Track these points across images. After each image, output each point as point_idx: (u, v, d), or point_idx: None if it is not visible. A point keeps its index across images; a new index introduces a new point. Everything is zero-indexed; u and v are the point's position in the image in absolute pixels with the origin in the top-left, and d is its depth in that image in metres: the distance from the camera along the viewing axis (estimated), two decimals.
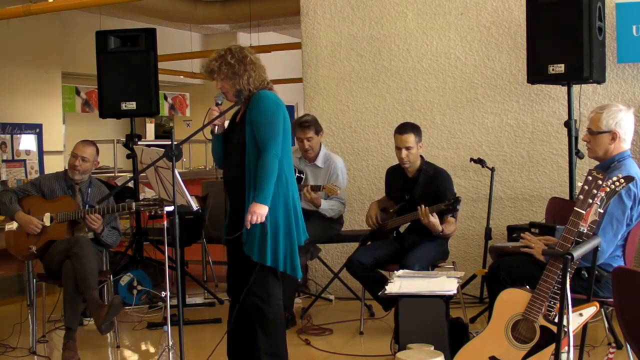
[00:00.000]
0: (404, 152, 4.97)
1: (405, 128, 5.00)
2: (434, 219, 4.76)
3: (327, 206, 5.44)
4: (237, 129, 3.76)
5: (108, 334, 5.18)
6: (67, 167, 5.12)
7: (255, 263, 3.66)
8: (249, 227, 3.58)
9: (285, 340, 3.85)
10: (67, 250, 4.68)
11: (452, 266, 5.12)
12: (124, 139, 6.42)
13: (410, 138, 4.96)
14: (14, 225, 4.94)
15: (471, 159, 5.66)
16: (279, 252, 3.68)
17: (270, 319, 3.74)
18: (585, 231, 3.21)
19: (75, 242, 4.71)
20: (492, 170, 5.60)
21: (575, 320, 3.14)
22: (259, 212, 3.56)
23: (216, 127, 3.78)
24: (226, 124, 3.87)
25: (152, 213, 4.93)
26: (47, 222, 4.86)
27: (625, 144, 3.86)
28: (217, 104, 3.76)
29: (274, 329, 3.76)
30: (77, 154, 5.00)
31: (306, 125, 5.49)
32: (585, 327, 3.30)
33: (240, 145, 3.69)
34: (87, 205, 4.89)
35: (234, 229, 3.72)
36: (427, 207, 4.75)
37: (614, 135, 3.83)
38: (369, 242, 5.26)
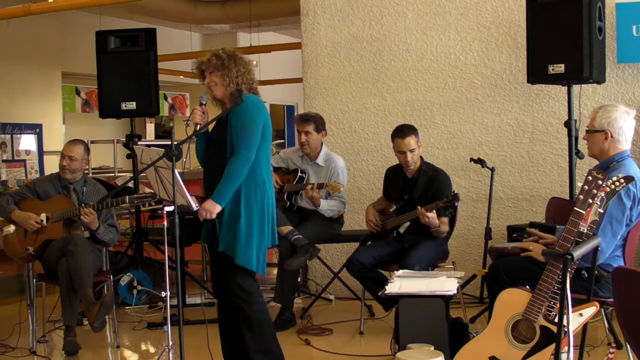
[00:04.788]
0: (409, 155, 4.97)
1: (406, 131, 4.99)
2: (432, 214, 4.77)
3: (326, 206, 5.45)
4: (219, 129, 3.79)
5: (108, 334, 5.19)
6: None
7: (230, 262, 3.69)
8: (201, 219, 3.68)
9: (275, 336, 3.87)
10: (63, 248, 4.70)
11: (452, 266, 5.12)
12: (124, 139, 6.42)
13: (412, 140, 4.96)
14: (11, 229, 4.95)
15: (471, 159, 5.66)
16: (252, 253, 3.70)
17: (254, 318, 3.76)
18: (585, 231, 3.21)
19: (70, 240, 4.74)
20: (492, 170, 5.60)
21: (575, 320, 3.15)
22: (210, 209, 3.64)
23: (198, 125, 3.80)
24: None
25: (146, 206, 4.95)
26: (44, 221, 4.87)
27: (621, 144, 3.85)
28: (200, 104, 3.80)
29: (259, 327, 3.77)
30: (64, 154, 5.06)
31: (305, 118, 5.52)
32: (585, 327, 3.30)
33: (222, 144, 3.72)
34: (82, 204, 4.91)
35: (214, 228, 3.73)
36: (424, 207, 4.76)
37: (606, 135, 3.84)
38: (369, 242, 5.27)
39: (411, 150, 4.96)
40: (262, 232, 3.74)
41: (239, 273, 3.73)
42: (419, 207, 4.78)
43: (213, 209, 3.64)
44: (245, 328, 3.75)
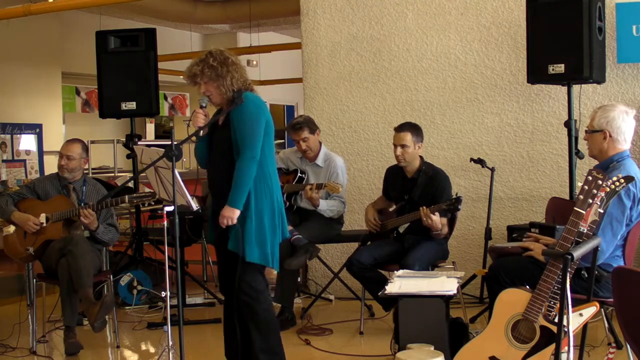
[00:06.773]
0: (399, 150, 4.98)
1: (403, 127, 5.03)
2: (436, 218, 4.77)
3: (325, 206, 5.45)
4: (222, 130, 3.79)
5: (108, 334, 5.19)
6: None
7: (242, 260, 3.68)
8: (224, 226, 3.66)
9: (280, 337, 3.88)
10: (63, 248, 4.70)
11: (452, 266, 5.12)
12: (124, 139, 6.43)
13: (407, 137, 4.97)
14: (11, 229, 4.96)
15: (471, 159, 5.66)
16: (267, 249, 3.72)
17: (262, 316, 3.76)
18: (585, 231, 3.21)
19: (70, 240, 4.73)
20: (492, 170, 5.60)
21: (575, 320, 3.15)
22: (230, 215, 3.64)
23: (201, 131, 3.79)
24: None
25: (146, 205, 4.94)
26: (43, 222, 4.87)
27: (620, 144, 3.85)
28: (201, 107, 3.80)
29: (266, 326, 3.78)
30: (62, 153, 5.07)
31: (298, 126, 5.49)
32: (585, 327, 3.30)
33: (226, 144, 3.72)
34: (82, 204, 4.91)
35: (220, 228, 3.73)
36: (428, 208, 4.75)
37: (604, 135, 3.84)
38: (369, 242, 5.27)
39: (402, 146, 4.96)
40: (274, 227, 3.76)
41: (250, 271, 3.73)
42: (423, 207, 4.77)
43: (232, 214, 3.63)
44: (253, 326, 3.76)
